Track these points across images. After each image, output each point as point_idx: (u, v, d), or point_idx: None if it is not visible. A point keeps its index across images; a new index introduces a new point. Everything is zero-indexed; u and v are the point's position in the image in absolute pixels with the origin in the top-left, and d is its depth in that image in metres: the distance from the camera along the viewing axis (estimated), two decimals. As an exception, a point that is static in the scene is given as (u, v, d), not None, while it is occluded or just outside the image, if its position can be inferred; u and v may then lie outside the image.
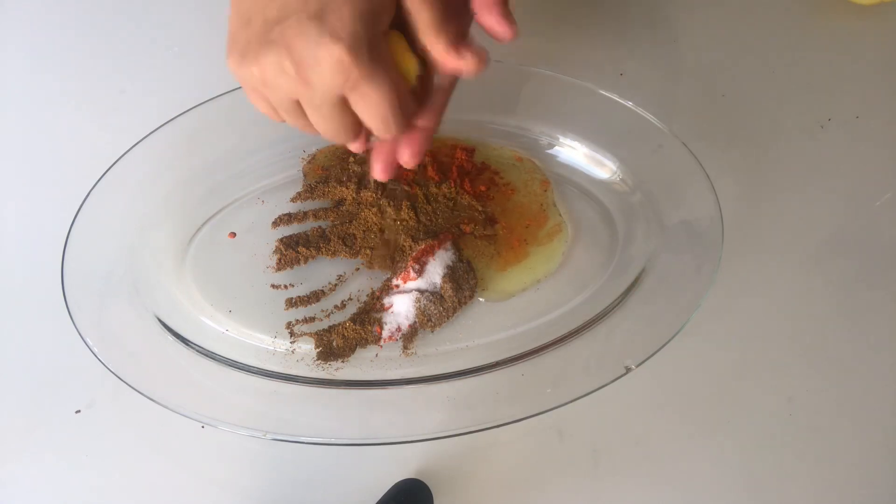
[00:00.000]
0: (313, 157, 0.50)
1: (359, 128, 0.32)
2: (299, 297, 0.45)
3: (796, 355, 0.46)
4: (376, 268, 0.46)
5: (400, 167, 0.35)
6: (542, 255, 0.47)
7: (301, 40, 0.28)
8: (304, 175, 0.49)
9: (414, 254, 0.45)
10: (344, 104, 0.30)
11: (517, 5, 0.55)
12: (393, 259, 0.47)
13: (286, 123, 0.33)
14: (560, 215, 0.48)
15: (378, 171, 0.36)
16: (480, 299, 0.46)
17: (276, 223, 0.48)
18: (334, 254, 0.47)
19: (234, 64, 0.30)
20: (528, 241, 0.48)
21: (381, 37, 0.30)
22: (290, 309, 0.45)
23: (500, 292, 0.46)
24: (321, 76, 0.28)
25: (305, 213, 0.48)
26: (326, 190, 0.48)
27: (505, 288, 0.46)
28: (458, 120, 0.50)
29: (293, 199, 0.49)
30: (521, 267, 0.47)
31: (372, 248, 0.47)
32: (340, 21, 0.27)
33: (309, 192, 0.48)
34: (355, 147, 0.34)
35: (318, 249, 0.46)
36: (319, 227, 0.47)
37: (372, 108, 0.30)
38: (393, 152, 0.35)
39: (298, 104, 0.31)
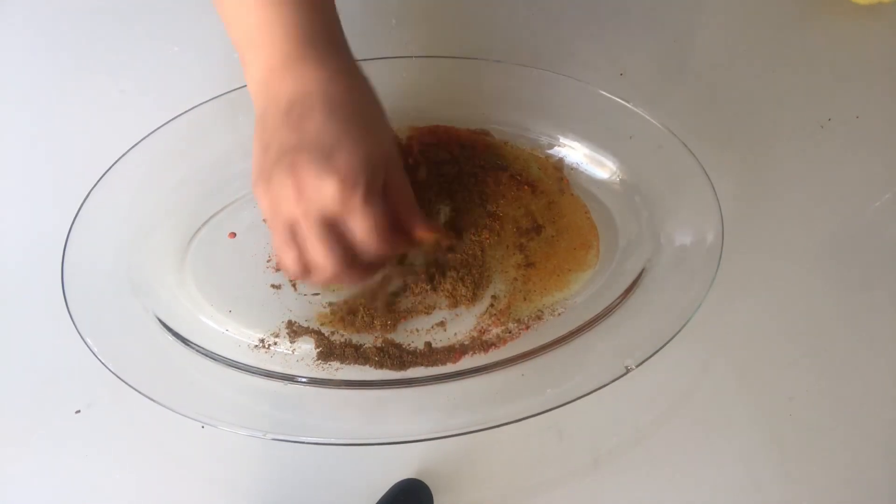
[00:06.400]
0: None
1: (343, 259, 0.35)
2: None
3: (796, 355, 0.46)
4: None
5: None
6: (578, 281, 0.46)
7: (308, 170, 0.32)
8: None
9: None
10: (331, 228, 0.34)
11: (519, 5, 0.56)
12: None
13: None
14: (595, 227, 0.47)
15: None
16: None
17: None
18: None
19: (253, 180, 0.35)
20: (572, 268, 0.46)
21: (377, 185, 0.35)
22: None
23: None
24: (318, 200, 0.33)
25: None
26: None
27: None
28: (458, 119, 0.50)
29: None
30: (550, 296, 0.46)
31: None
32: (345, 163, 0.33)
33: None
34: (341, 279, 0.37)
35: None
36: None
37: (359, 233, 0.34)
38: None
39: (293, 231, 0.35)
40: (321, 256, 0.35)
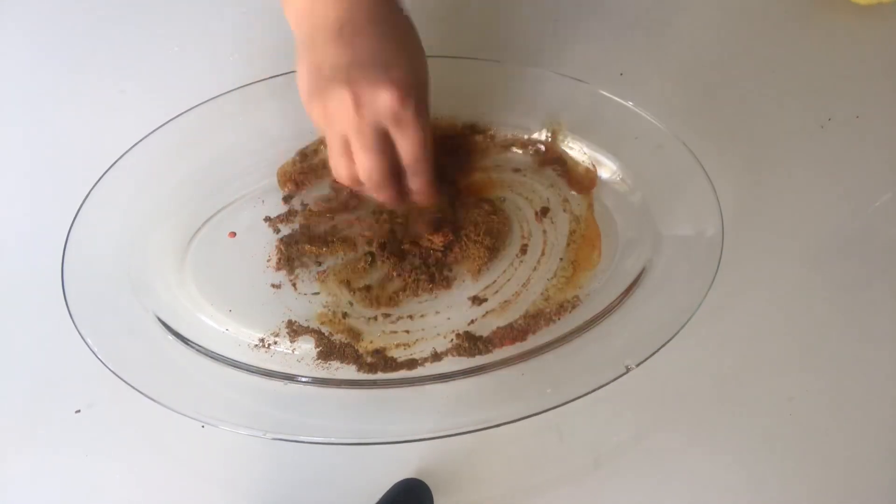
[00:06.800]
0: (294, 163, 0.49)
1: (390, 172, 0.38)
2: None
3: (796, 355, 0.46)
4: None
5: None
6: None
7: (365, 81, 0.35)
8: (280, 186, 0.49)
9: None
10: (386, 139, 0.36)
11: (519, 5, 0.56)
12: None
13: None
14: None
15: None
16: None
17: (274, 222, 0.48)
18: (335, 253, 0.47)
19: (306, 99, 0.37)
20: (579, 265, 0.47)
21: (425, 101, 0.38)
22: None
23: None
24: (374, 110, 0.35)
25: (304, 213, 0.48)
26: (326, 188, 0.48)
27: None
28: (457, 119, 0.50)
29: (293, 199, 0.48)
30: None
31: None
32: (400, 77, 0.35)
33: (308, 192, 0.48)
34: (384, 197, 0.39)
35: (319, 249, 0.46)
36: (319, 226, 0.47)
37: (410, 143, 0.37)
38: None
39: (347, 143, 0.37)
40: (371, 162, 0.37)
